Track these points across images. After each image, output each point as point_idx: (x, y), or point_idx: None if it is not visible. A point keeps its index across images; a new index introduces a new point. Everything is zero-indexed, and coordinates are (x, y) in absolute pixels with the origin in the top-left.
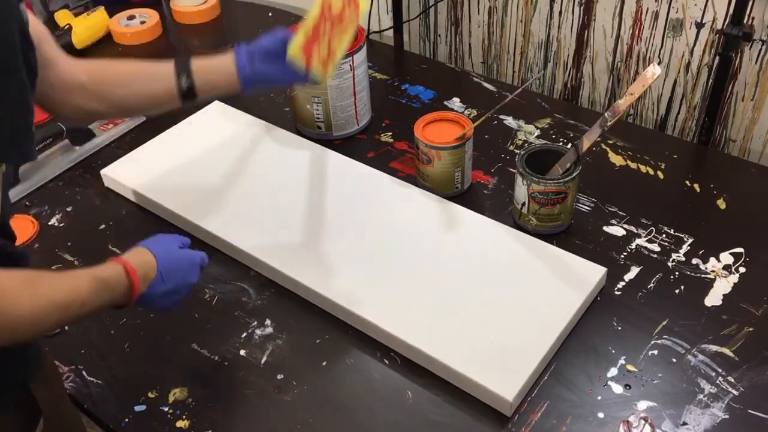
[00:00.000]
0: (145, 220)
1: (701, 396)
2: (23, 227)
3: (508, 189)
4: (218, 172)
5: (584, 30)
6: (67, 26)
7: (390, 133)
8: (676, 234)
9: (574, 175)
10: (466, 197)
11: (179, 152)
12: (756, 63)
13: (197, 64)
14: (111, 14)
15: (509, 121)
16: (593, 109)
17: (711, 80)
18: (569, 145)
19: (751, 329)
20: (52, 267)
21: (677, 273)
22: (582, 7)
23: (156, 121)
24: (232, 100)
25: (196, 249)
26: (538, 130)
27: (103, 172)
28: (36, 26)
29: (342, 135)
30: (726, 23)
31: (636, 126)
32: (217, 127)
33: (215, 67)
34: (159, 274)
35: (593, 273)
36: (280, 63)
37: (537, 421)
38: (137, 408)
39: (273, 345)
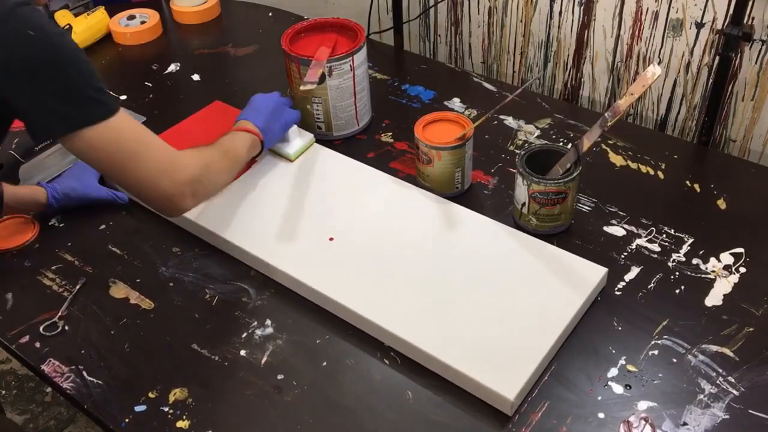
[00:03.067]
0: (145, 219)
1: (701, 396)
2: (23, 227)
3: (509, 189)
4: None
5: (584, 30)
6: (67, 26)
7: (390, 134)
8: (677, 234)
9: (575, 175)
10: (467, 197)
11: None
12: (756, 63)
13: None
14: (111, 14)
15: (509, 121)
16: (593, 109)
17: (711, 80)
18: (569, 145)
19: (751, 329)
20: (52, 267)
21: (677, 273)
22: (582, 7)
23: (156, 121)
24: (232, 99)
25: (196, 248)
26: (539, 130)
27: None
28: None
29: (342, 135)
30: (726, 23)
31: (636, 126)
32: (215, 125)
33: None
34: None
35: (594, 273)
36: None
37: (537, 421)
38: (137, 408)
39: (273, 345)
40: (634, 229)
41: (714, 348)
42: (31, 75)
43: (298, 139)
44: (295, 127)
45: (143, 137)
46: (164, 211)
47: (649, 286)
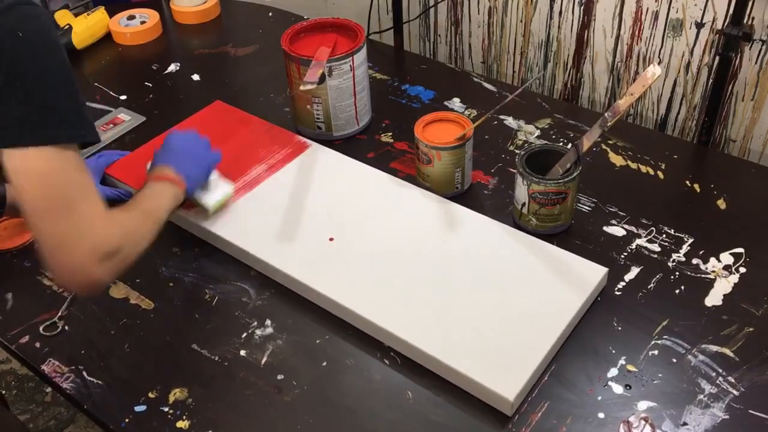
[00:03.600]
0: None
1: (701, 396)
2: (23, 227)
3: (509, 189)
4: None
5: (584, 30)
6: (67, 26)
7: (390, 134)
8: (677, 234)
9: (575, 175)
10: (467, 197)
11: None
12: (756, 63)
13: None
14: (111, 14)
15: (509, 121)
16: (593, 109)
17: (711, 80)
18: (569, 146)
19: (751, 329)
20: None
21: (677, 273)
22: (582, 7)
23: (156, 121)
24: (232, 100)
25: (196, 248)
26: (538, 131)
27: (107, 170)
28: None
29: (342, 135)
30: (726, 23)
31: (636, 126)
32: (216, 125)
33: None
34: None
35: (594, 273)
36: None
37: (537, 421)
38: (137, 408)
39: (273, 345)
40: (634, 229)
41: (714, 348)
42: (8, 76)
43: (218, 189)
44: (215, 173)
45: (87, 188)
46: (69, 285)
47: (649, 286)
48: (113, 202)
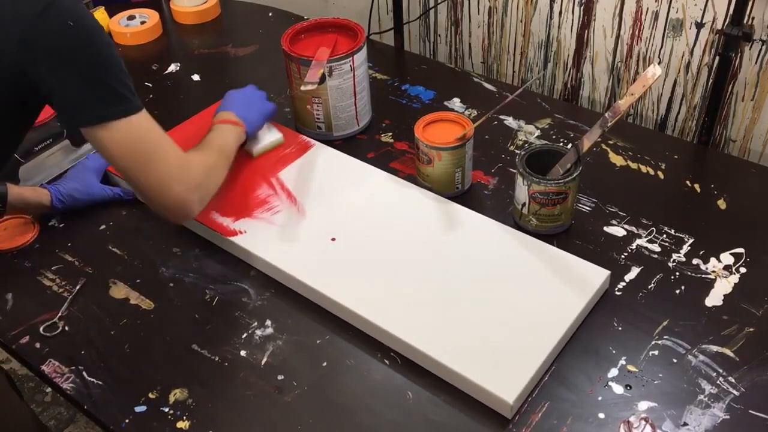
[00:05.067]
0: (145, 219)
1: (702, 396)
2: (23, 228)
3: (509, 189)
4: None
5: (584, 30)
6: None
7: (390, 134)
8: (677, 234)
9: (575, 175)
10: (467, 198)
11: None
12: (756, 63)
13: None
14: (111, 14)
15: (509, 121)
16: (593, 109)
17: (711, 80)
18: (569, 146)
19: (751, 329)
20: (52, 267)
21: (678, 273)
22: (582, 7)
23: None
24: None
25: (196, 248)
26: (539, 131)
27: (109, 169)
28: None
29: (342, 135)
30: (726, 23)
31: (636, 126)
32: None
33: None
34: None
35: (596, 276)
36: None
37: (537, 421)
38: (137, 408)
39: (273, 345)
40: (634, 229)
41: (714, 348)
42: (67, 64)
43: (266, 138)
44: (267, 124)
45: (161, 140)
46: (172, 216)
47: (649, 287)
48: (112, 203)
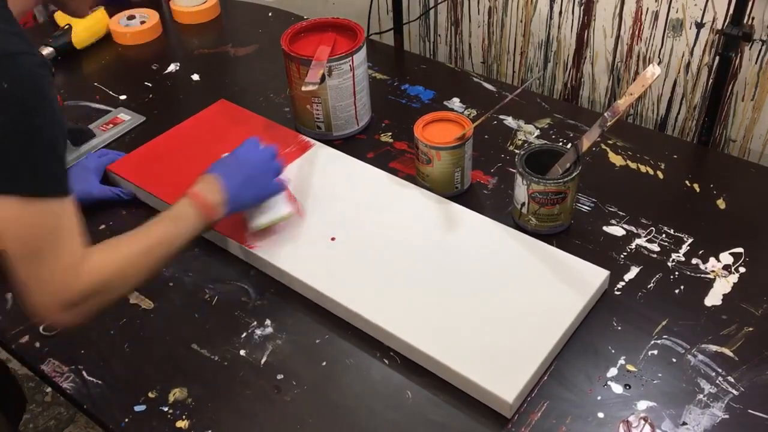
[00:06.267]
0: (145, 220)
1: (701, 396)
2: None
3: (508, 189)
4: None
5: (584, 30)
6: (67, 26)
7: (390, 133)
8: (676, 234)
9: (574, 175)
10: (466, 197)
11: (183, 149)
12: (756, 63)
13: None
14: (111, 14)
15: (509, 121)
16: (593, 109)
17: (711, 80)
18: (569, 145)
19: (750, 329)
20: None
21: (677, 273)
22: (582, 7)
23: (156, 121)
24: (232, 100)
25: (196, 248)
26: (538, 130)
27: (109, 167)
28: None
29: (342, 135)
30: (726, 23)
31: (636, 126)
32: (219, 124)
33: None
34: (227, 192)
35: (596, 276)
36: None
37: (537, 421)
38: (137, 408)
39: (273, 345)
40: (633, 229)
41: (713, 348)
42: None
43: (271, 210)
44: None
45: (65, 239)
46: (36, 319)
47: (648, 286)
48: (112, 202)
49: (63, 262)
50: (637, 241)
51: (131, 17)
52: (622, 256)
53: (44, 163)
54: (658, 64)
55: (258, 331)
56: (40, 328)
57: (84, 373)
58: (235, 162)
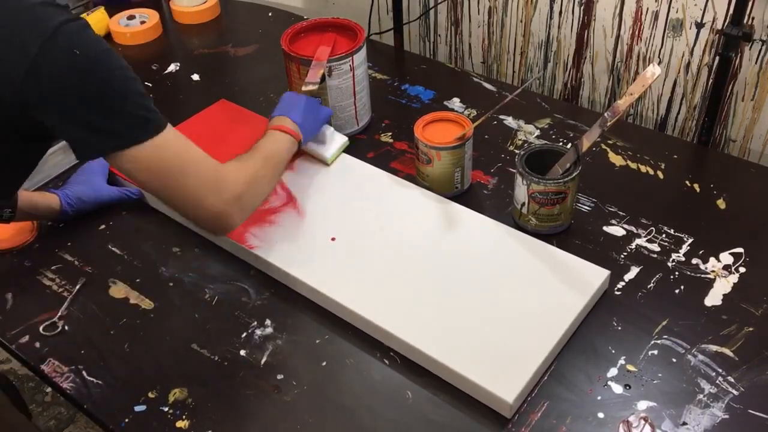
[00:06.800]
0: (145, 219)
1: (701, 396)
2: (23, 227)
3: (508, 189)
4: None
5: (584, 30)
6: None
7: (390, 133)
8: (676, 234)
9: (574, 175)
10: (466, 197)
11: None
12: (756, 63)
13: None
14: (111, 14)
15: (509, 121)
16: (593, 109)
17: (711, 80)
18: (569, 145)
19: (751, 329)
20: (52, 267)
21: (677, 273)
22: (582, 7)
23: None
24: (232, 100)
25: (196, 248)
26: (538, 130)
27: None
28: None
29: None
30: (726, 23)
31: (636, 126)
32: (220, 124)
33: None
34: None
35: (596, 276)
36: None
37: (537, 421)
38: (137, 408)
39: (273, 345)
40: (633, 229)
41: (713, 348)
42: (75, 93)
43: (334, 141)
44: (329, 128)
45: (190, 154)
46: (211, 230)
47: (648, 286)
48: (121, 201)
49: (208, 167)
50: (637, 241)
51: (131, 17)
52: (622, 256)
53: (145, 106)
54: (658, 64)
55: (258, 331)
56: (40, 328)
57: (84, 373)
58: (288, 103)
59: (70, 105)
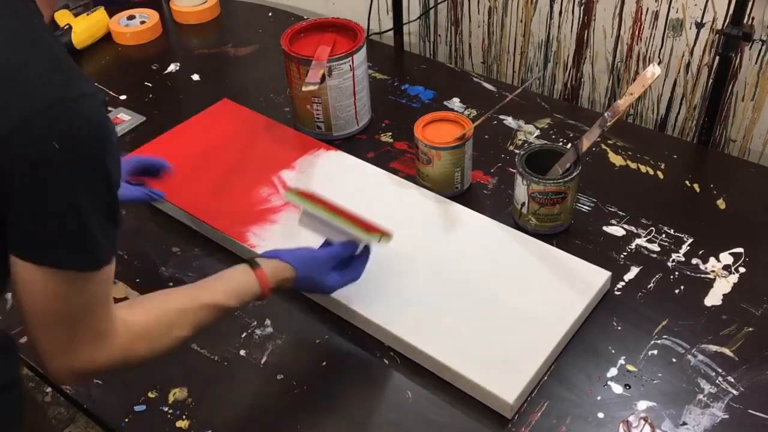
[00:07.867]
0: (145, 219)
1: (701, 396)
2: None
3: (508, 189)
4: (221, 168)
5: (584, 30)
6: (67, 26)
7: (390, 133)
8: (676, 234)
9: (574, 175)
10: (466, 197)
11: (185, 148)
12: (756, 63)
13: None
14: (111, 14)
15: (509, 121)
16: (593, 109)
17: (711, 80)
18: (569, 145)
19: (750, 329)
20: None
21: (677, 273)
22: (582, 7)
23: (156, 121)
24: (232, 99)
25: (196, 248)
26: (538, 130)
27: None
28: None
29: (342, 135)
30: (726, 23)
31: (636, 126)
32: (222, 123)
33: None
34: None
35: (597, 277)
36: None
37: (537, 421)
38: (137, 408)
39: (273, 345)
40: (633, 229)
41: (713, 348)
42: (28, 189)
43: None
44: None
45: (96, 308)
46: (47, 373)
47: (648, 286)
48: (142, 202)
49: (90, 335)
50: (637, 241)
51: (131, 17)
52: (622, 256)
53: (107, 231)
54: (658, 64)
55: (258, 331)
56: None
57: None
58: (314, 263)
59: (28, 196)
